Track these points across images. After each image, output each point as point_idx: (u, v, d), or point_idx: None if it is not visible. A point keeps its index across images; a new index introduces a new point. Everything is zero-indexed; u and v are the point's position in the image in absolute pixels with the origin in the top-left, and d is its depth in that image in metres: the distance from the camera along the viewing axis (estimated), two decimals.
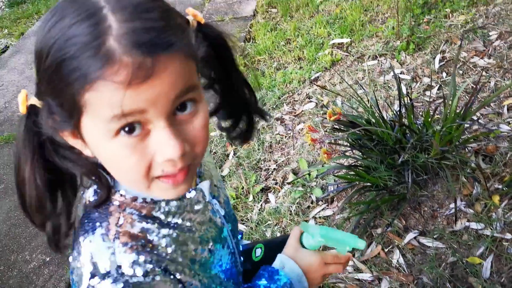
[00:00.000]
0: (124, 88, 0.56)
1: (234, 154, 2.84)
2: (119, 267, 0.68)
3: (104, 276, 0.68)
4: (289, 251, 0.99)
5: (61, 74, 0.58)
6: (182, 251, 0.77)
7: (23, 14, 5.43)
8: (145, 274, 0.69)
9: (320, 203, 2.31)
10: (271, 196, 2.47)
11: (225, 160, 2.83)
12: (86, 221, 0.74)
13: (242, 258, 1.00)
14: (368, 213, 2.05)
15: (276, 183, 2.54)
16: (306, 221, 2.23)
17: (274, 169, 2.65)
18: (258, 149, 2.81)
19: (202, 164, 0.90)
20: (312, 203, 2.33)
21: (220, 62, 0.75)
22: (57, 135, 0.67)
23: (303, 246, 0.99)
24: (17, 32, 5.00)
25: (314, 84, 3.17)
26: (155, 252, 0.72)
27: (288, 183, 2.49)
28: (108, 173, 0.73)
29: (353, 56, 3.34)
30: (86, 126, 0.63)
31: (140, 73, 0.56)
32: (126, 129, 0.61)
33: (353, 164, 2.09)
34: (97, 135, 0.63)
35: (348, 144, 2.09)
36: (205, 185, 0.84)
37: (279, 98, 3.19)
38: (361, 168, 2.05)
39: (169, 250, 0.75)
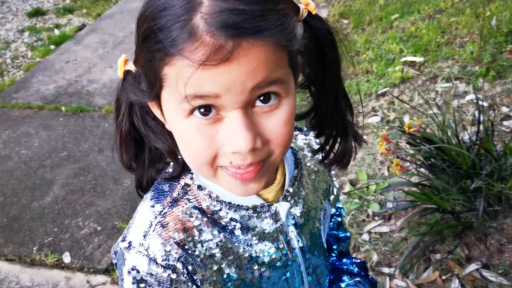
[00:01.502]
0: (197, 67, 0.53)
1: None
2: (147, 245, 0.67)
3: (130, 244, 0.67)
4: None
5: (149, 44, 0.57)
6: (222, 261, 0.71)
7: None
8: (166, 266, 0.66)
9: (376, 218, 2.24)
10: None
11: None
12: (153, 187, 0.74)
13: None
14: (429, 236, 1.96)
15: None
16: (360, 234, 2.17)
17: None
18: None
19: (297, 183, 0.80)
20: (367, 217, 2.26)
21: (322, 60, 0.68)
22: (146, 102, 0.67)
23: None
24: (95, 13, 5.20)
25: (393, 96, 3.09)
26: (189, 249, 0.68)
27: (344, 193, 2.43)
28: None
29: (425, 76, 3.25)
30: (164, 100, 0.62)
31: (217, 55, 0.53)
32: (202, 110, 0.58)
33: (420, 182, 2.01)
34: (172, 112, 0.61)
35: (418, 161, 2.01)
36: (283, 206, 0.76)
37: None
38: (428, 188, 1.96)
39: (207, 253, 0.70)
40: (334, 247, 1.04)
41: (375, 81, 3.32)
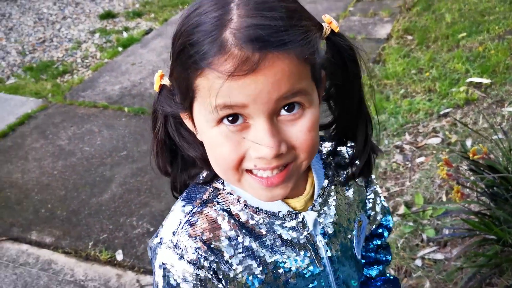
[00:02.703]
0: (226, 78, 0.58)
1: None
2: (175, 242, 0.72)
3: (161, 241, 0.73)
4: None
5: (183, 58, 0.62)
6: (247, 263, 0.75)
7: (169, 2, 5.83)
8: (192, 262, 0.71)
9: (431, 244, 2.16)
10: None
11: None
12: (186, 190, 0.79)
13: None
14: (486, 268, 1.87)
15: None
16: (413, 259, 2.10)
17: (385, 197, 2.53)
18: None
19: (327, 193, 0.82)
20: (422, 241, 2.18)
21: (344, 76, 0.72)
22: (179, 115, 0.72)
23: None
24: (162, 18, 5.39)
25: (455, 119, 2.98)
26: (215, 248, 0.73)
27: (399, 215, 2.36)
28: None
29: (492, 99, 3.11)
30: (195, 111, 0.67)
31: (244, 66, 0.57)
32: (230, 118, 0.62)
33: (480, 211, 1.92)
34: (202, 121, 0.65)
35: (479, 189, 1.93)
36: (311, 214, 0.78)
37: (402, 126, 3.06)
38: (488, 218, 1.87)
39: (233, 254, 0.74)
40: (368, 271, 1.04)
41: (438, 101, 3.22)
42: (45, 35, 5.29)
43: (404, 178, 2.63)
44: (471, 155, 1.63)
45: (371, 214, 0.98)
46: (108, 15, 5.62)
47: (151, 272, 2.26)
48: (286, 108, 0.63)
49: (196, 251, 0.71)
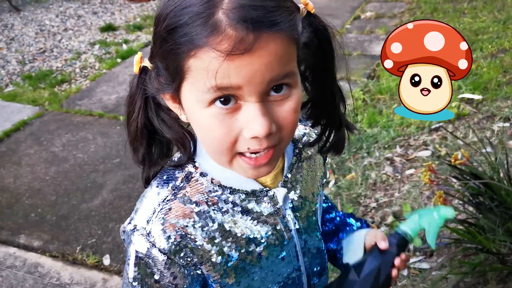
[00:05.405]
0: (223, 57, 0.59)
1: (335, 183, 2.79)
2: (149, 230, 0.73)
3: (135, 227, 0.74)
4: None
5: (172, 39, 0.63)
6: (221, 243, 0.76)
7: None
8: (163, 250, 0.72)
9: (417, 253, 2.17)
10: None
11: (325, 188, 2.79)
12: (160, 175, 0.80)
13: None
14: (471, 277, 1.87)
15: (373, 222, 2.44)
16: None
17: (374, 207, 2.54)
18: (361, 184, 2.72)
19: (295, 169, 0.85)
20: (408, 251, 2.18)
21: (319, 55, 0.74)
22: (160, 96, 0.73)
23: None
24: None
25: (446, 130, 3.00)
26: (188, 234, 0.74)
27: (387, 225, 2.37)
28: (194, 142, 0.77)
29: (482, 114, 3.15)
30: (185, 91, 0.67)
31: (240, 46, 0.59)
32: (222, 99, 0.63)
33: (466, 220, 1.93)
34: (193, 102, 0.66)
35: (463, 197, 1.94)
36: (280, 191, 0.81)
37: (393, 139, 3.09)
38: (474, 227, 1.88)
39: (207, 237, 0.75)
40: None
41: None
42: (46, 46, 5.36)
43: (393, 189, 2.64)
44: (453, 161, 1.65)
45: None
46: (108, 28, 5.69)
47: None
48: (274, 88, 0.65)
49: (169, 239, 0.72)
